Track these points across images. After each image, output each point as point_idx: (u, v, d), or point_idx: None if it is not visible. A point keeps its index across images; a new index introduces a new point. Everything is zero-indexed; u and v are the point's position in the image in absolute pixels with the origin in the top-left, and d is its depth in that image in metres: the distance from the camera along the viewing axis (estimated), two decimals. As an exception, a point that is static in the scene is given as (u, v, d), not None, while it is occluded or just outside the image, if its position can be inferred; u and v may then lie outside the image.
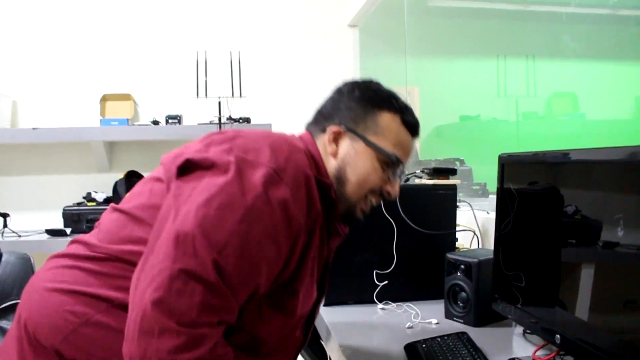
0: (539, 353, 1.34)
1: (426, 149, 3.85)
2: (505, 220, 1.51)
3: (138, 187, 1.18)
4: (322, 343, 1.77)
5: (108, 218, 1.15)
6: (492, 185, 2.99)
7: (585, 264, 1.22)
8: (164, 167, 1.11)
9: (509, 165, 1.49)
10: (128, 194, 1.21)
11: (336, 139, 1.17)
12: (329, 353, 1.69)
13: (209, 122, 3.62)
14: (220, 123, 3.52)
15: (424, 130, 4.19)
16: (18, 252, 1.85)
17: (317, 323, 1.74)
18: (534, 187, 1.46)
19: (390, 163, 1.16)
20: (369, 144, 1.15)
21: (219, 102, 3.52)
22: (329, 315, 1.71)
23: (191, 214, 0.94)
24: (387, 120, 1.16)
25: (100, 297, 1.02)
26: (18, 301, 1.48)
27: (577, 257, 1.24)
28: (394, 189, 1.20)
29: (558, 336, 1.19)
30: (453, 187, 1.90)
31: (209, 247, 0.92)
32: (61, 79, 3.76)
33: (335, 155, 1.17)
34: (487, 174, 3.10)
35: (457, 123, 4.00)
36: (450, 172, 1.96)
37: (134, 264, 0.99)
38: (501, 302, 1.48)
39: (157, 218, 1.02)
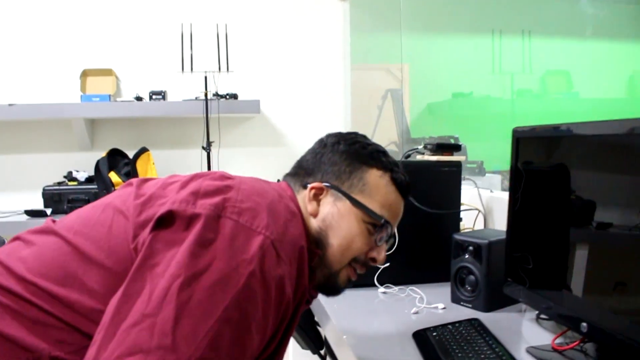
0: (557, 341, 1.26)
1: (417, 127, 3.76)
2: (514, 198, 1.42)
3: (92, 211, 0.97)
4: (319, 329, 1.68)
5: (43, 241, 0.92)
6: (489, 163, 2.93)
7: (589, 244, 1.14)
8: (134, 204, 0.92)
9: (522, 141, 1.40)
10: (75, 214, 1.00)
11: (317, 196, 1.05)
12: (327, 338, 1.59)
13: (194, 97, 3.49)
14: (206, 99, 3.39)
15: (415, 107, 4.09)
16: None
17: (314, 308, 1.65)
18: (542, 164, 1.37)
19: (377, 226, 1.05)
20: (355, 203, 1.03)
21: (205, 77, 3.38)
22: (328, 301, 1.61)
23: (171, 297, 0.77)
24: (375, 178, 1.06)
25: (19, 345, 0.81)
26: None
27: (587, 237, 1.16)
28: (380, 256, 1.09)
29: (585, 324, 1.10)
30: (458, 164, 1.80)
31: (192, 341, 0.76)
32: (39, 52, 3.60)
33: (315, 215, 1.04)
34: (482, 152, 3.03)
35: (450, 100, 3.92)
36: (454, 148, 1.86)
37: (76, 316, 0.83)
38: (512, 285, 1.39)
39: (115, 271, 0.85)
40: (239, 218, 0.87)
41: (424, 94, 4.09)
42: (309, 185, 1.05)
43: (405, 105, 3.97)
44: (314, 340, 1.69)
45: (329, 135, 1.13)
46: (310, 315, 1.65)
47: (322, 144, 1.11)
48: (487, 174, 2.81)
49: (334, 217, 1.03)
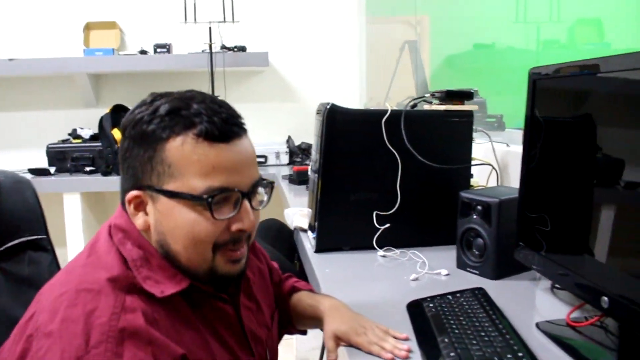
0: (573, 315, 1.09)
1: (436, 80, 3.54)
2: (531, 153, 1.23)
3: None
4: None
5: None
6: (509, 118, 2.73)
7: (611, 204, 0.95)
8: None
9: (540, 85, 1.21)
10: None
11: (138, 207, 0.86)
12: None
13: (200, 51, 3.33)
14: (211, 51, 3.23)
15: (435, 60, 3.89)
16: (11, 174, 1.32)
17: (308, 271, 1.50)
18: (564, 114, 1.17)
19: (212, 202, 0.82)
20: (169, 196, 0.82)
21: (210, 28, 3.21)
22: (320, 264, 1.46)
23: None
24: (176, 151, 0.81)
25: None
26: (25, 239, 1.24)
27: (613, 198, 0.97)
28: (245, 223, 0.86)
29: (606, 299, 0.92)
30: (469, 114, 1.61)
31: None
32: (40, 5, 3.48)
33: (147, 228, 0.85)
34: (503, 107, 2.83)
35: (471, 51, 3.67)
36: (465, 96, 1.66)
37: None
38: (525, 250, 1.21)
39: None
40: None
41: (444, 46, 3.86)
42: (126, 199, 0.86)
43: (424, 58, 3.75)
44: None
45: (121, 129, 0.90)
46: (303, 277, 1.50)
47: (120, 142, 0.89)
48: (507, 129, 2.61)
49: (161, 222, 0.83)
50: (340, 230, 1.56)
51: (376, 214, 1.54)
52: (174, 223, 0.83)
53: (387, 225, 1.54)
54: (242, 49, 3.39)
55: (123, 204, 0.89)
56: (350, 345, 1.02)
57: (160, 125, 0.82)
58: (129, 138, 0.84)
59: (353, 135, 1.54)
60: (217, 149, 0.82)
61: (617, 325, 1.03)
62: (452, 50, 3.82)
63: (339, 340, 1.04)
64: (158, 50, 3.39)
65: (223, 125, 0.83)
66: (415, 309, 1.13)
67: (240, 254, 0.89)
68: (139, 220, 0.85)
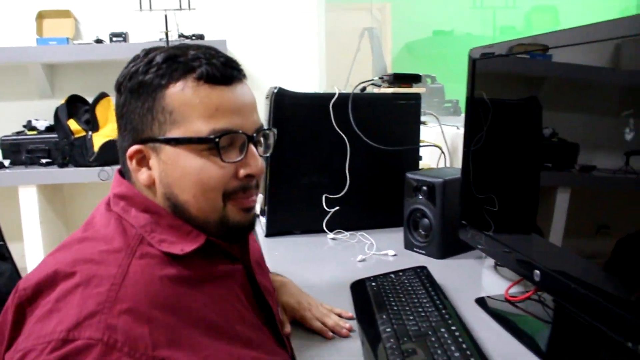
0: (512, 291, 1.11)
1: (396, 66, 3.56)
2: (477, 135, 1.24)
3: None
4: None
5: None
6: (465, 103, 2.75)
7: (561, 187, 0.97)
8: None
9: (482, 65, 1.21)
10: None
11: (142, 162, 0.82)
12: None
13: (158, 39, 3.28)
14: (167, 40, 3.18)
15: (396, 47, 3.89)
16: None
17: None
18: (511, 96, 1.18)
19: (219, 144, 0.79)
20: (174, 143, 0.78)
21: (165, 16, 3.16)
22: (270, 248, 1.46)
23: None
24: (177, 96, 0.78)
25: None
26: None
27: (555, 179, 0.98)
28: (254, 167, 0.82)
29: (537, 272, 0.94)
30: (417, 97, 1.62)
31: None
32: (-11, -7, 3.37)
33: (152, 183, 0.81)
34: (461, 93, 2.85)
35: (430, 38, 3.70)
36: (413, 78, 1.67)
37: None
38: (470, 230, 1.23)
39: None
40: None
41: (405, 33, 3.88)
42: (127, 156, 0.81)
43: (386, 45, 3.76)
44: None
45: (115, 86, 0.85)
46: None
47: (115, 101, 0.85)
48: (462, 115, 2.64)
49: (167, 173, 0.79)
50: (290, 214, 1.56)
51: (325, 197, 1.54)
52: (181, 172, 0.79)
53: (337, 208, 1.54)
54: (200, 37, 3.35)
55: (121, 170, 0.86)
56: (294, 319, 1.03)
57: (158, 73, 0.78)
58: (124, 92, 0.81)
59: (301, 119, 1.53)
60: (218, 91, 0.79)
61: (552, 299, 1.05)
62: (412, 37, 3.84)
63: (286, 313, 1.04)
64: (114, 39, 3.32)
65: (223, 68, 0.80)
66: (358, 289, 1.13)
67: (253, 201, 0.86)
68: (143, 175, 0.81)
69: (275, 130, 0.91)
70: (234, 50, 3.51)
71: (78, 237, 0.77)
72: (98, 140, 3.04)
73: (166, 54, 0.79)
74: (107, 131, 3.09)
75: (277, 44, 3.59)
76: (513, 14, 3.70)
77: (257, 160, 0.83)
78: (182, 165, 0.78)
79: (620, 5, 4.01)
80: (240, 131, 0.80)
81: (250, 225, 0.87)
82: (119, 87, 0.81)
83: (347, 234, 1.54)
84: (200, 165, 0.78)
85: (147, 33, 3.35)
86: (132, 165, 0.81)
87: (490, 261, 1.33)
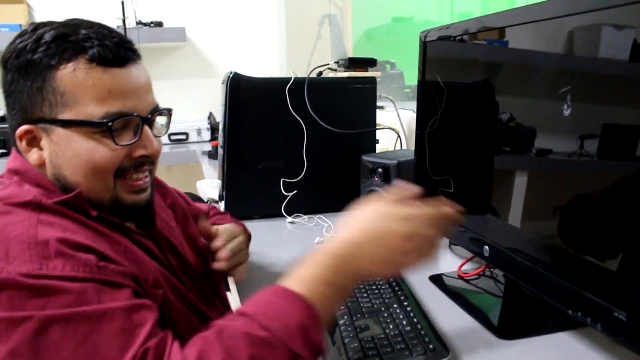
0: (464, 267, 1.13)
1: (357, 53, 3.56)
2: (432, 117, 1.26)
3: None
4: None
5: None
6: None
7: (518, 170, 1.00)
8: None
9: (435, 48, 1.23)
10: None
11: (31, 142, 0.79)
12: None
13: (115, 27, 3.21)
14: (125, 26, 3.13)
15: (356, 33, 3.88)
16: None
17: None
18: (464, 79, 1.20)
19: (111, 127, 0.77)
20: (64, 125, 0.77)
21: (122, 2, 3.10)
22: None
23: None
24: (68, 78, 0.75)
25: None
26: None
27: (510, 162, 1.01)
28: (148, 148, 0.82)
29: (486, 247, 0.97)
30: (372, 80, 1.63)
31: None
32: None
33: (42, 163, 0.79)
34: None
35: (390, 24, 3.72)
36: (368, 62, 1.68)
37: None
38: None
39: None
40: None
41: (365, 19, 3.88)
42: (16, 136, 0.79)
43: (346, 31, 3.77)
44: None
45: (1, 62, 0.81)
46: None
47: (2, 78, 0.81)
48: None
49: (57, 154, 0.78)
50: (248, 199, 1.56)
51: (283, 181, 1.55)
52: (72, 153, 0.77)
53: (295, 192, 1.55)
54: (159, 24, 3.30)
55: (15, 144, 0.82)
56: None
57: (48, 52, 0.75)
58: (12, 70, 0.77)
59: (257, 103, 1.53)
60: (111, 73, 0.77)
61: (502, 274, 1.08)
62: (372, 24, 3.85)
63: None
64: (69, 26, 3.25)
65: (116, 49, 0.77)
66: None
67: (143, 183, 0.85)
68: (33, 155, 0.79)
69: (171, 109, 0.89)
70: (193, 38, 3.48)
71: None
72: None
73: (56, 31, 0.76)
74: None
75: (236, 30, 3.57)
76: (471, 0, 3.75)
77: (152, 141, 0.82)
78: (74, 147, 0.77)
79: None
80: (135, 114, 0.79)
81: (146, 206, 0.86)
82: (4, 64, 0.78)
83: (306, 217, 1.55)
84: (92, 147, 0.77)
85: (103, 20, 3.28)
86: (22, 145, 0.79)
87: (444, 240, 1.35)
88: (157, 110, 0.84)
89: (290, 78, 1.52)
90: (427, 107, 1.26)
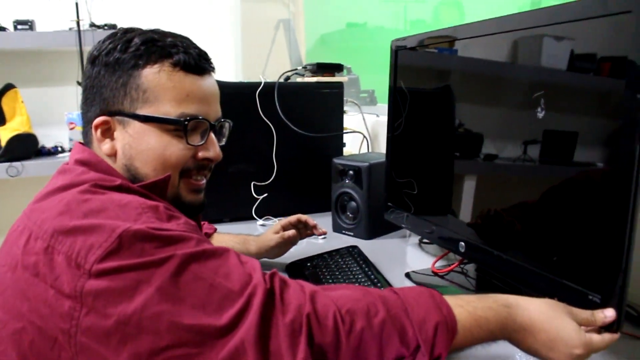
0: (438, 264, 1.19)
1: (311, 58, 3.61)
2: (397, 121, 1.31)
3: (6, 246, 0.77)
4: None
5: None
6: (381, 93, 2.85)
7: (466, 173, 1.09)
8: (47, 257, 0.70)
9: (403, 56, 1.28)
10: None
11: (107, 133, 0.84)
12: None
13: (67, 28, 3.16)
14: (79, 29, 3.08)
15: (310, 38, 3.93)
16: None
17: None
18: (426, 85, 1.26)
19: (185, 127, 0.84)
20: (143, 120, 0.83)
21: (76, 4, 3.06)
22: (200, 236, 1.47)
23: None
24: (152, 77, 0.82)
25: None
26: None
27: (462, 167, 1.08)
28: (211, 152, 0.88)
29: (462, 243, 1.02)
30: (339, 85, 1.68)
31: None
32: None
33: (113, 154, 0.84)
34: (376, 83, 2.94)
35: (344, 30, 3.78)
36: (336, 68, 1.72)
37: None
38: (395, 211, 1.30)
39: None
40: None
41: (319, 25, 3.94)
42: (92, 125, 0.84)
43: (300, 37, 3.81)
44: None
45: (88, 58, 0.87)
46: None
47: (86, 72, 0.87)
48: (378, 104, 2.73)
49: (131, 146, 0.83)
50: (219, 202, 1.58)
51: (254, 184, 1.57)
52: (146, 146, 0.83)
53: (265, 195, 1.58)
54: (113, 26, 3.26)
55: (84, 141, 0.88)
56: None
57: (136, 53, 0.82)
58: (99, 65, 0.83)
59: (227, 107, 1.54)
60: (191, 79, 0.85)
61: (474, 269, 1.14)
62: (326, 29, 3.91)
63: None
64: (19, 27, 3.17)
65: (198, 58, 0.86)
66: (295, 269, 1.18)
67: (203, 184, 0.91)
68: (106, 145, 0.84)
69: (231, 122, 0.97)
70: (147, 41, 3.46)
71: (59, 185, 0.78)
72: (5, 134, 2.90)
73: (145, 36, 0.83)
74: (15, 125, 2.96)
75: (192, 34, 3.54)
76: (423, 8, 3.85)
77: (216, 146, 0.89)
78: (147, 141, 0.82)
79: (518, 2, 4.25)
80: (205, 118, 0.85)
81: (201, 206, 0.92)
82: (93, 60, 0.84)
83: (276, 219, 1.58)
84: (165, 143, 0.83)
85: (56, 21, 3.23)
86: (96, 134, 0.84)
87: (414, 239, 1.41)
88: (220, 120, 0.91)
89: (260, 83, 1.55)
90: (396, 112, 1.31)
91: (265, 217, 1.58)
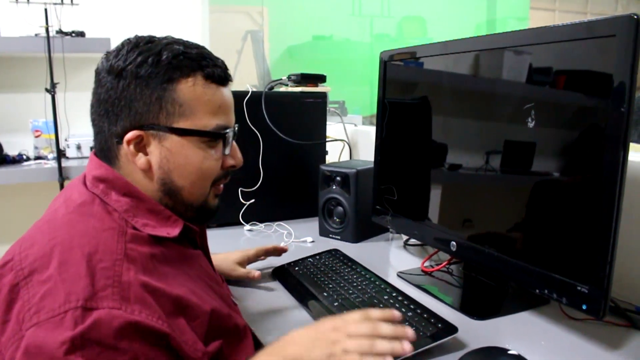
0: (426, 264, 1.26)
1: (278, 70, 3.67)
2: (382, 130, 1.40)
3: None
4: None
5: None
6: (350, 107, 2.94)
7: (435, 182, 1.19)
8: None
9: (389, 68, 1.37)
10: None
11: (139, 146, 0.85)
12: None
13: (34, 34, 3.14)
14: (48, 36, 3.06)
15: (275, 50, 3.97)
16: None
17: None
18: (405, 96, 1.35)
19: (223, 139, 0.88)
20: (182, 133, 0.84)
21: (45, 10, 3.04)
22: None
23: None
24: (188, 91, 0.83)
25: None
26: None
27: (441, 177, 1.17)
28: (237, 159, 0.92)
29: (454, 243, 1.10)
30: (323, 95, 1.75)
31: None
32: None
33: (149, 168, 0.85)
34: (344, 94, 3.02)
35: (310, 42, 3.86)
36: (319, 78, 1.79)
37: None
38: (382, 215, 1.38)
39: None
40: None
41: (285, 37, 4.00)
42: (125, 140, 0.83)
43: (265, 48, 3.86)
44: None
45: (108, 70, 0.84)
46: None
47: (106, 84, 0.85)
48: (348, 115, 2.82)
49: (169, 159, 0.85)
50: (206, 207, 1.62)
51: (241, 190, 1.62)
52: (184, 159, 0.85)
53: (252, 200, 1.63)
54: (81, 34, 3.25)
55: (102, 154, 0.87)
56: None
57: (170, 67, 0.83)
58: (128, 78, 0.82)
59: (216, 115, 1.60)
60: (221, 91, 0.87)
61: (460, 268, 1.22)
62: (292, 42, 3.98)
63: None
64: (-17, 32, 3.14)
65: (224, 70, 0.88)
66: (282, 273, 1.24)
67: (222, 189, 0.95)
68: (140, 160, 0.84)
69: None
70: (116, 49, 3.45)
71: (63, 213, 0.80)
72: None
73: (173, 49, 0.84)
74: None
75: (161, 43, 3.57)
76: (388, 22, 3.97)
77: (238, 153, 0.93)
78: (186, 154, 0.84)
79: (476, 19, 4.42)
80: (231, 127, 0.89)
81: (218, 208, 0.95)
82: (119, 72, 0.83)
83: (262, 225, 1.63)
84: (202, 155, 0.85)
85: (22, 27, 3.20)
86: (129, 149, 0.84)
87: (398, 242, 1.48)
88: (234, 127, 0.93)
89: (248, 91, 1.61)
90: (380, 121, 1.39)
91: (252, 223, 1.63)
